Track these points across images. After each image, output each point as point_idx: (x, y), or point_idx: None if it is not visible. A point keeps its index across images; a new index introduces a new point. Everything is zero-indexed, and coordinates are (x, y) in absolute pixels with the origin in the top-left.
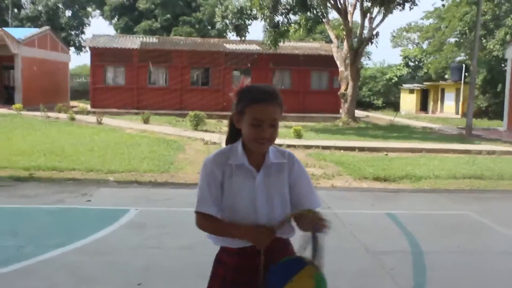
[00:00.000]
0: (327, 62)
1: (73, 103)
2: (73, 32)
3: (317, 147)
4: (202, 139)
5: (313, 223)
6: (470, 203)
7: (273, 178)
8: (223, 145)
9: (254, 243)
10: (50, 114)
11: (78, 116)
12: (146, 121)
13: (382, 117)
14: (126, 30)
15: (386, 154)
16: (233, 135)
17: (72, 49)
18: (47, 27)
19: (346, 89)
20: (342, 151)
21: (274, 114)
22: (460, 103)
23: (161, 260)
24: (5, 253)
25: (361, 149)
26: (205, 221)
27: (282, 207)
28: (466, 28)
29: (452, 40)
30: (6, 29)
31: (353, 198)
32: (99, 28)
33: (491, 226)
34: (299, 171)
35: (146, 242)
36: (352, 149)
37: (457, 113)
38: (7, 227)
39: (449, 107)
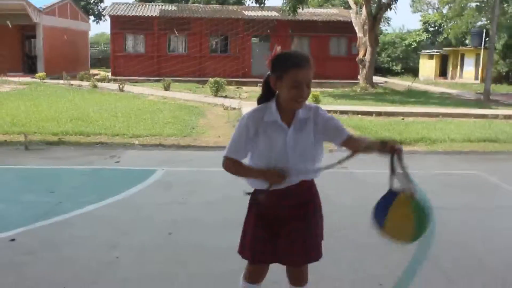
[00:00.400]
0: (345, 28)
1: (93, 71)
2: (91, 1)
3: (335, 112)
4: (222, 105)
5: (393, 146)
6: (482, 164)
7: (303, 132)
8: (243, 110)
9: (269, 182)
10: (73, 82)
11: (100, 84)
12: (167, 88)
13: (401, 83)
14: None
15: (403, 119)
16: (266, 96)
17: (91, 17)
18: None
19: (364, 55)
20: (359, 115)
21: (310, 76)
22: (480, 69)
23: (188, 214)
24: (45, 208)
25: (378, 113)
26: (231, 164)
27: (311, 157)
28: None
29: (473, 4)
30: None
31: (369, 159)
32: None
33: (500, 185)
34: (324, 116)
35: (173, 198)
36: (369, 114)
37: (476, 78)
38: (45, 186)
39: (468, 73)
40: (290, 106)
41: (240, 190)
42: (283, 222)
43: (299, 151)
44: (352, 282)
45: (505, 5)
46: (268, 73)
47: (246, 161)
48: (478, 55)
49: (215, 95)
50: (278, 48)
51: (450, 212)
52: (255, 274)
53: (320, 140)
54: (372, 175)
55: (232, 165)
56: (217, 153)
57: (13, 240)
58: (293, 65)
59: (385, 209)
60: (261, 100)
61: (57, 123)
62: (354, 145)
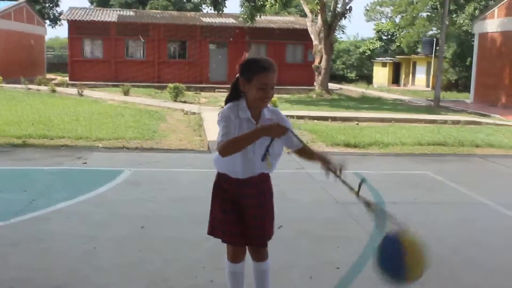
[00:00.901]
0: (302, 35)
1: (49, 75)
2: (47, 5)
3: (291, 117)
4: (182, 110)
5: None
6: (430, 165)
7: None
8: (203, 115)
9: (270, 135)
10: (31, 86)
11: (58, 89)
12: (126, 93)
13: (355, 89)
14: (102, 3)
15: (357, 124)
16: (233, 96)
17: (46, 21)
18: (22, 0)
19: (320, 62)
20: (315, 120)
21: (274, 80)
22: (431, 76)
23: (158, 210)
24: (19, 205)
25: (334, 118)
26: (230, 144)
27: (273, 153)
28: (438, 2)
29: (424, 14)
30: None
31: None
32: (73, 0)
33: (446, 183)
34: (286, 121)
35: (142, 196)
36: (325, 118)
37: (427, 86)
38: (16, 185)
39: (420, 80)
40: (256, 106)
41: (203, 189)
42: (244, 209)
43: (261, 144)
44: (310, 267)
45: (454, 15)
46: (237, 76)
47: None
48: (429, 63)
49: (175, 100)
50: (246, 55)
51: (399, 206)
52: (233, 254)
53: (279, 140)
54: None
55: (232, 142)
56: (181, 155)
57: None
58: (261, 69)
59: (397, 259)
60: (229, 100)
61: (19, 126)
62: (303, 156)
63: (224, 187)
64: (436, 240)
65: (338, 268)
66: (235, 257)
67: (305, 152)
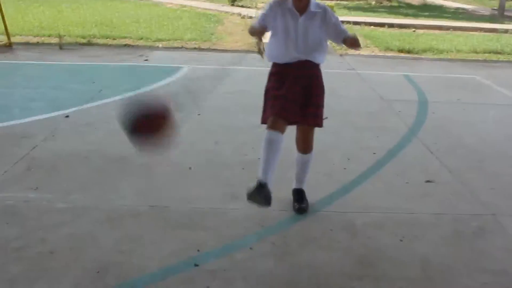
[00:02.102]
0: None
1: None
2: None
3: (348, 22)
4: (239, 14)
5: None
6: (481, 70)
7: (311, 22)
8: None
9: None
10: None
11: None
12: None
13: None
14: None
15: (414, 31)
16: None
17: None
18: None
19: None
20: (372, 27)
21: None
22: None
23: (216, 100)
24: (90, 94)
25: (391, 25)
26: (251, 28)
27: (314, 42)
28: None
29: None
30: None
31: (376, 63)
32: None
33: (492, 86)
34: (331, 16)
35: (202, 88)
36: (381, 25)
37: None
38: (85, 77)
39: None
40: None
41: (256, 84)
42: (294, 87)
43: (306, 36)
44: (349, 151)
45: None
46: None
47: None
48: None
49: (232, 5)
50: None
51: (442, 105)
52: (273, 121)
53: (325, 34)
54: (374, 75)
55: (252, 29)
56: (236, 54)
57: (67, 116)
58: None
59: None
60: None
61: (83, 27)
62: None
63: (274, 71)
64: (469, 134)
65: (374, 153)
66: (274, 125)
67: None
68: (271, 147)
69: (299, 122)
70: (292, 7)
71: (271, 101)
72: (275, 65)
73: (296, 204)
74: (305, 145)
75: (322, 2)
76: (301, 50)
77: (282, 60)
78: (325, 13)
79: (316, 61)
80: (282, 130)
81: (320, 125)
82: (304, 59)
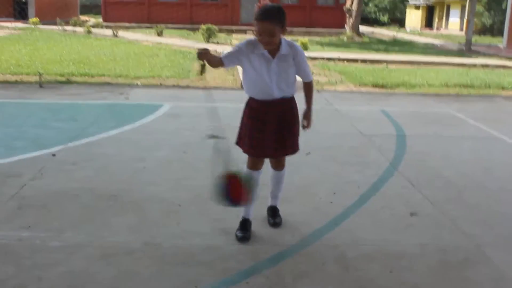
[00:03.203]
0: None
1: (82, 17)
2: None
3: (322, 58)
4: (215, 51)
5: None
6: (454, 104)
7: (284, 63)
8: None
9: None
10: (67, 27)
11: (93, 30)
12: (160, 34)
13: (387, 33)
14: None
15: (386, 66)
16: None
17: None
18: None
19: (351, 5)
20: (345, 62)
21: (269, 28)
22: (465, 20)
23: (196, 138)
24: (73, 132)
25: (363, 61)
26: (208, 56)
27: (287, 81)
28: None
29: None
30: None
31: (352, 98)
32: None
33: (465, 119)
34: (301, 56)
35: (182, 126)
36: (354, 60)
37: (461, 30)
38: (67, 116)
39: (453, 24)
40: (262, 43)
41: (240, 121)
42: (267, 125)
43: (280, 78)
44: (334, 185)
45: None
46: None
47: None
48: (463, 7)
49: (207, 41)
50: (264, 1)
51: (419, 138)
52: (252, 163)
53: (294, 71)
54: (352, 110)
55: (207, 54)
56: (215, 91)
57: (54, 155)
58: (256, 17)
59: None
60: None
61: (61, 65)
62: (304, 91)
63: (251, 105)
64: (447, 166)
65: (359, 187)
66: (254, 165)
67: (306, 89)
68: None
69: (278, 156)
70: (265, 52)
71: (250, 140)
72: (251, 99)
73: (270, 219)
74: (279, 165)
75: (290, 40)
76: (275, 91)
77: (257, 97)
78: (295, 53)
79: (289, 95)
80: (261, 167)
81: (297, 150)
82: (279, 97)
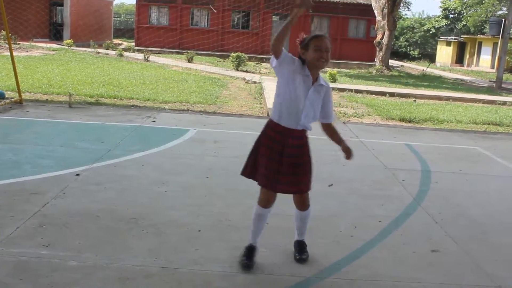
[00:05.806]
0: (365, 10)
1: (115, 40)
2: None
3: (350, 90)
4: (243, 79)
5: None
6: (481, 141)
7: (318, 93)
8: (264, 84)
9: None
10: (99, 50)
11: (125, 53)
12: (190, 60)
13: (417, 67)
14: None
15: (415, 100)
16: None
17: None
18: None
19: (381, 38)
20: (373, 95)
21: (327, 44)
22: (496, 58)
23: (220, 163)
24: (99, 153)
25: (391, 94)
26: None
27: (315, 112)
28: None
29: None
30: None
31: (378, 132)
32: None
33: (492, 157)
34: (330, 95)
35: (207, 151)
36: (383, 94)
37: (492, 67)
38: (94, 136)
39: (485, 61)
40: (316, 65)
41: None
42: (284, 157)
43: (312, 105)
44: (355, 219)
45: None
46: (299, 51)
47: (272, 93)
48: (495, 44)
49: (236, 69)
50: (303, 34)
51: (444, 175)
52: (265, 199)
53: (320, 106)
54: (377, 143)
55: (275, 37)
56: (242, 119)
57: (78, 175)
58: (315, 36)
59: None
60: None
61: (91, 86)
62: (328, 132)
63: (270, 135)
64: (472, 204)
65: (380, 221)
66: (266, 202)
67: (331, 130)
68: (260, 220)
69: (292, 193)
70: (309, 74)
71: (264, 170)
72: (272, 126)
73: (297, 254)
74: (303, 205)
75: (324, 77)
76: (303, 118)
77: (283, 122)
78: (327, 90)
79: (309, 128)
80: (271, 205)
81: (310, 189)
82: (301, 128)
